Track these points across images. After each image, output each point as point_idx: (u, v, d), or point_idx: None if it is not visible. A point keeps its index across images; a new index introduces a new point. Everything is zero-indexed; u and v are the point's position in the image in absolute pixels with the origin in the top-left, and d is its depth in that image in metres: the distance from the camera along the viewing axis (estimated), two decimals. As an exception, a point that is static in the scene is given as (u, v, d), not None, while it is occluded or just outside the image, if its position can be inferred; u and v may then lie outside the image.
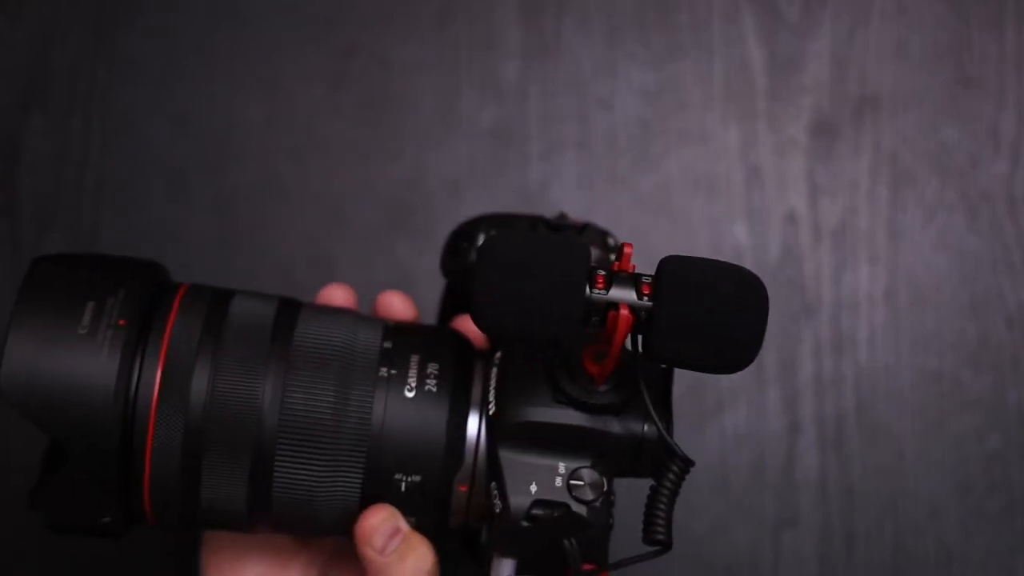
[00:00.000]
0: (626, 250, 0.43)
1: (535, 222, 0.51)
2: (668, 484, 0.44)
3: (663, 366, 0.45)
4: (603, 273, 0.42)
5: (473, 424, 0.46)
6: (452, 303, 0.56)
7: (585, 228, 0.51)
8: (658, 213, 0.71)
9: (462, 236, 0.51)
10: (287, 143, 0.72)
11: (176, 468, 0.45)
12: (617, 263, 0.43)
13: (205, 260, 0.70)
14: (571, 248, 0.41)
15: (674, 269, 0.42)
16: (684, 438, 0.69)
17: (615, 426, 0.44)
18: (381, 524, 0.46)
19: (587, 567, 0.44)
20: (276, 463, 0.45)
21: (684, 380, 0.71)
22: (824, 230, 0.70)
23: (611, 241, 0.51)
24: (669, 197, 0.71)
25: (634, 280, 0.42)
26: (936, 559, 0.68)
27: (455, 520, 0.47)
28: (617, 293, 0.41)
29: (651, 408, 0.43)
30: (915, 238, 0.70)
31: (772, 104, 0.71)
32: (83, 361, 0.44)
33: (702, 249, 0.70)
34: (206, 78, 0.72)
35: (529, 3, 0.72)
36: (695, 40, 0.72)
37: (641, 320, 0.41)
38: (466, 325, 0.51)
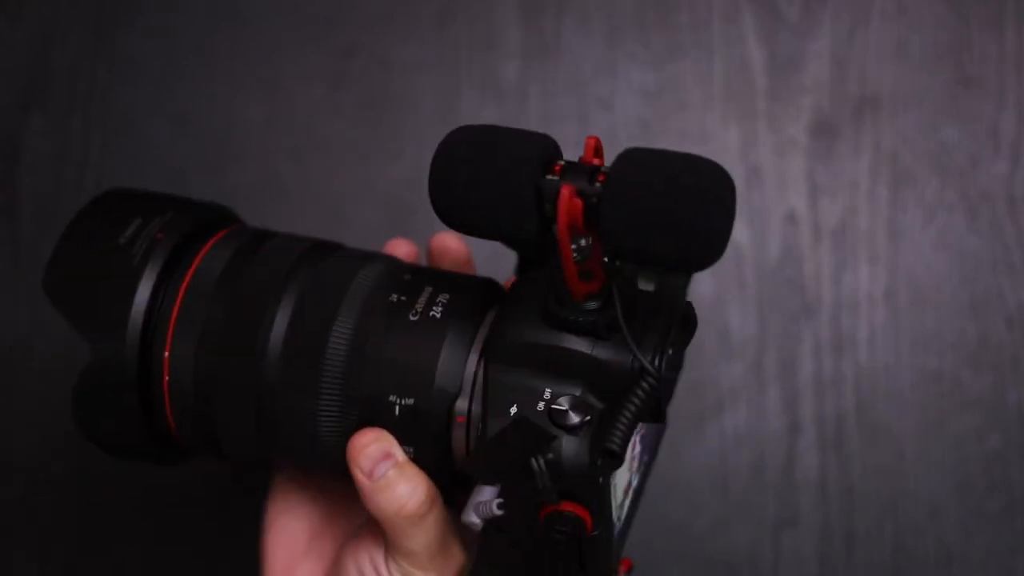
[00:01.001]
0: (589, 142, 0.41)
1: None
2: (634, 398, 0.41)
3: (632, 265, 0.43)
4: (561, 163, 0.40)
5: (474, 359, 0.45)
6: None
7: None
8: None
9: None
10: (287, 143, 0.72)
11: (190, 387, 0.46)
12: (582, 156, 0.41)
13: (205, 260, 0.70)
14: (528, 137, 0.40)
15: (631, 156, 0.39)
16: (684, 438, 0.69)
17: (605, 352, 0.42)
18: (370, 444, 0.44)
19: (568, 506, 0.41)
20: (279, 389, 0.46)
21: (684, 380, 0.71)
22: (824, 230, 0.70)
23: None
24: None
25: (591, 170, 0.40)
26: (936, 559, 0.68)
27: (457, 456, 0.45)
28: (567, 179, 0.40)
29: (619, 313, 0.41)
30: (915, 238, 0.70)
31: (772, 104, 0.71)
32: (115, 269, 0.46)
33: (702, 249, 0.70)
34: (206, 78, 0.72)
35: (529, 3, 0.72)
36: (695, 40, 0.72)
37: (592, 207, 0.39)
38: (437, 241, 0.53)
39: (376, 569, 0.47)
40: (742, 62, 0.71)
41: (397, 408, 0.45)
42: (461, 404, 0.44)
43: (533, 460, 0.40)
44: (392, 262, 0.48)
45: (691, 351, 0.70)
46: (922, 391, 0.69)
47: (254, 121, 0.72)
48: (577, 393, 0.42)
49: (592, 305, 0.42)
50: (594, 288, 0.42)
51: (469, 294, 0.46)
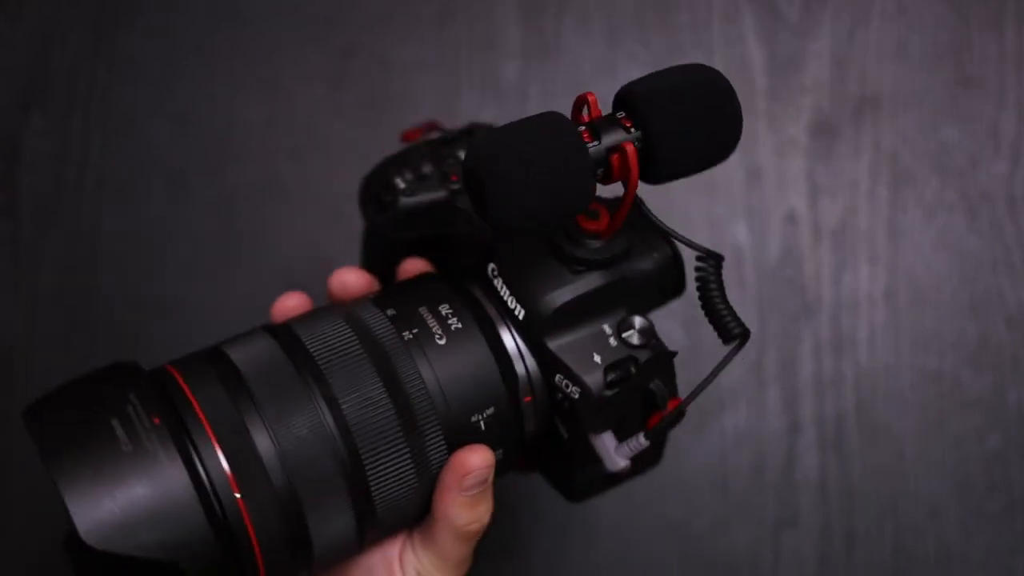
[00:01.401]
0: (590, 98, 0.43)
1: (432, 143, 0.52)
2: (712, 283, 0.45)
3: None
4: (585, 129, 0.42)
5: (507, 337, 0.47)
6: (375, 249, 0.56)
7: (472, 129, 0.53)
8: (658, 213, 0.70)
9: (381, 187, 0.51)
10: (287, 143, 0.72)
11: (282, 538, 0.43)
12: (587, 115, 0.43)
13: (205, 260, 0.70)
14: (553, 122, 0.41)
15: (643, 93, 0.43)
16: (684, 438, 0.69)
17: (631, 269, 0.46)
18: (481, 465, 0.45)
19: (673, 403, 0.46)
20: (369, 476, 0.44)
21: (684, 380, 0.71)
22: (824, 230, 0.70)
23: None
24: (669, 197, 0.71)
25: (611, 121, 0.42)
26: (936, 559, 0.68)
27: (528, 432, 0.47)
28: (609, 138, 0.42)
29: (658, 222, 0.45)
30: (915, 238, 0.70)
31: (772, 104, 0.71)
32: (147, 475, 0.40)
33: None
34: (206, 78, 0.72)
35: (529, 3, 0.72)
36: (695, 40, 0.72)
37: (640, 150, 0.42)
38: (410, 267, 0.51)
39: (388, 563, 0.47)
40: (742, 62, 0.71)
41: (482, 423, 0.46)
42: (523, 385, 0.46)
43: (652, 385, 0.44)
44: (358, 309, 0.47)
45: (691, 351, 0.70)
46: (922, 391, 0.69)
47: (254, 121, 0.72)
48: (626, 313, 0.46)
49: (598, 243, 0.46)
50: (614, 222, 0.45)
51: (450, 291, 0.47)
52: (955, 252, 0.70)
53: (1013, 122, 0.71)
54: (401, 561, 0.47)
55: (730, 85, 0.43)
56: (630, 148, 0.42)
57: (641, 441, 0.45)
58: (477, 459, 0.45)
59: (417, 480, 0.45)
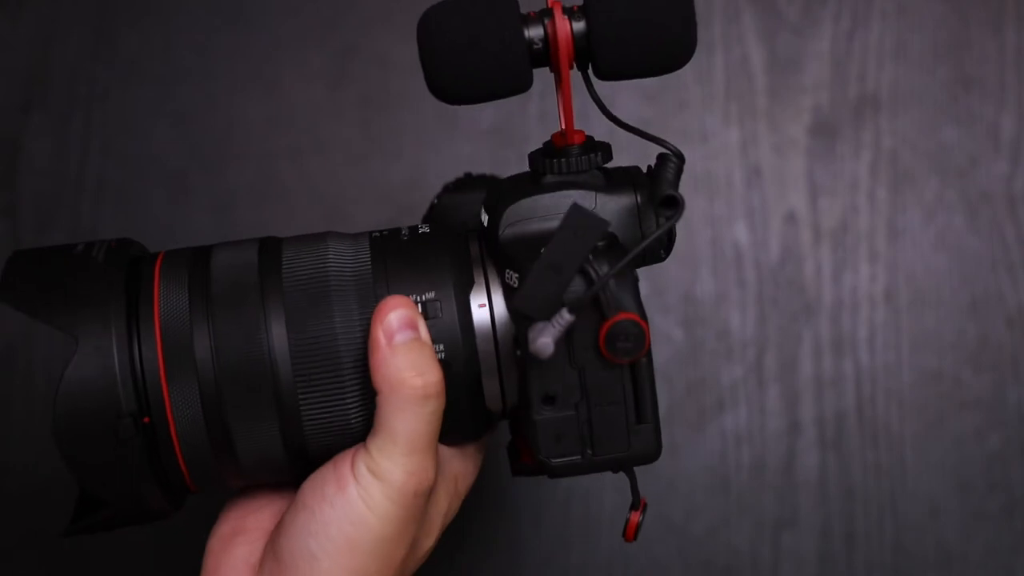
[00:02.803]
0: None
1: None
2: (668, 164, 0.45)
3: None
4: (534, 11, 0.44)
5: (474, 247, 0.46)
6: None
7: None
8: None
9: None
10: (287, 143, 0.72)
11: (204, 439, 0.44)
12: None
13: (205, 260, 0.70)
14: (498, 2, 0.44)
15: None
16: (684, 438, 0.69)
17: (587, 182, 0.45)
18: (399, 308, 0.44)
19: (624, 315, 0.42)
20: (302, 407, 0.44)
21: (684, 380, 0.71)
22: (824, 230, 0.70)
23: None
24: (669, 197, 0.71)
25: (558, 7, 0.44)
26: (936, 559, 0.68)
27: (483, 357, 0.45)
28: (549, 22, 0.44)
29: (598, 102, 0.46)
30: (915, 238, 0.70)
31: (772, 104, 0.71)
32: (85, 363, 0.43)
33: (702, 249, 0.70)
34: (206, 78, 0.72)
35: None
36: (695, 40, 0.72)
37: (581, 40, 0.44)
38: None
39: (340, 477, 0.45)
40: (742, 62, 0.71)
41: (420, 305, 0.45)
42: (478, 293, 0.45)
43: (586, 263, 0.41)
44: (345, 243, 0.47)
45: (691, 351, 0.70)
46: (922, 391, 0.69)
47: (254, 121, 0.72)
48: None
49: (564, 160, 0.46)
50: (570, 119, 0.46)
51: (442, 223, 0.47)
52: (955, 252, 0.70)
53: (1013, 122, 0.71)
54: (353, 465, 0.44)
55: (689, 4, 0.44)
56: (562, 31, 0.43)
57: (565, 316, 0.41)
58: (395, 301, 0.44)
59: (355, 417, 0.45)
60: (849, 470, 0.68)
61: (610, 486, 0.68)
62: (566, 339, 0.42)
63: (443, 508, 0.48)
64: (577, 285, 0.42)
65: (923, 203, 0.70)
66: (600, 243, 0.42)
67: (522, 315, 0.42)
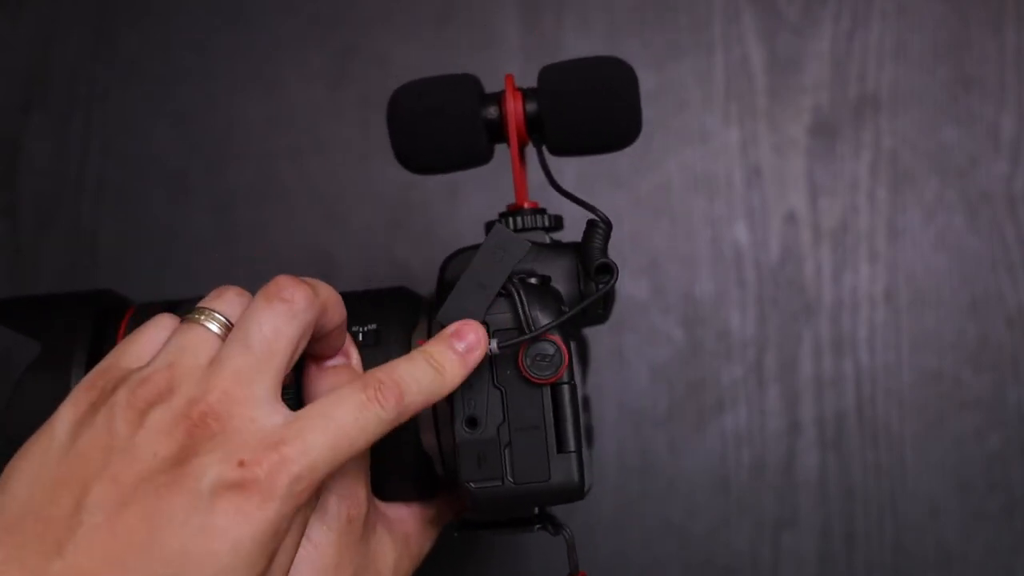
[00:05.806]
0: (507, 78, 0.49)
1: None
2: (596, 232, 0.46)
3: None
4: (492, 93, 0.48)
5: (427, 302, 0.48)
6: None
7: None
8: (658, 213, 0.71)
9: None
10: (287, 143, 0.72)
11: None
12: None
13: (205, 260, 0.70)
14: (461, 82, 0.48)
15: (550, 69, 0.48)
16: (684, 438, 0.69)
17: (554, 259, 0.46)
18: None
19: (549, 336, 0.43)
20: None
21: (684, 380, 0.71)
22: (824, 230, 0.70)
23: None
24: (669, 197, 0.71)
25: (520, 93, 0.48)
26: (936, 559, 0.68)
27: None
28: (506, 104, 0.48)
29: (547, 173, 0.48)
30: (915, 238, 0.70)
31: (772, 104, 0.71)
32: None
33: (702, 249, 0.70)
34: (206, 78, 0.72)
35: (529, 3, 0.72)
36: (695, 40, 0.72)
37: (533, 119, 0.47)
38: None
39: None
40: (742, 62, 0.71)
41: (361, 335, 0.46)
42: (421, 331, 0.47)
43: (509, 282, 0.43)
44: None
45: (691, 351, 0.70)
46: (922, 391, 0.69)
47: (254, 121, 0.72)
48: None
49: (529, 211, 0.48)
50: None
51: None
52: (955, 252, 0.70)
53: (1013, 122, 0.71)
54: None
55: (634, 77, 0.48)
56: (515, 110, 0.47)
57: (494, 348, 0.42)
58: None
59: None
60: (849, 470, 0.68)
61: (610, 486, 0.68)
62: (489, 359, 0.43)
63: (390, 561, 0.46)
64: (502, 307, 0.43)
65: (923, 203, 0.70)
66: (532, 280, 0.44)
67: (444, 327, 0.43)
